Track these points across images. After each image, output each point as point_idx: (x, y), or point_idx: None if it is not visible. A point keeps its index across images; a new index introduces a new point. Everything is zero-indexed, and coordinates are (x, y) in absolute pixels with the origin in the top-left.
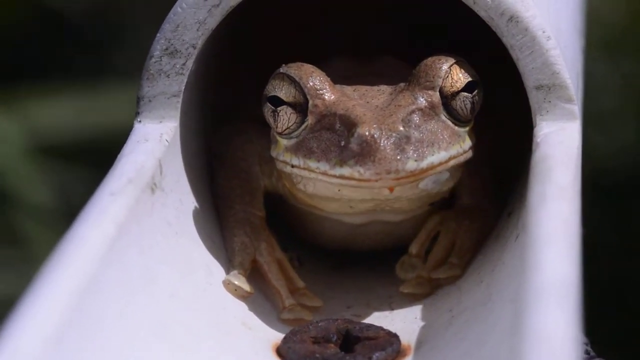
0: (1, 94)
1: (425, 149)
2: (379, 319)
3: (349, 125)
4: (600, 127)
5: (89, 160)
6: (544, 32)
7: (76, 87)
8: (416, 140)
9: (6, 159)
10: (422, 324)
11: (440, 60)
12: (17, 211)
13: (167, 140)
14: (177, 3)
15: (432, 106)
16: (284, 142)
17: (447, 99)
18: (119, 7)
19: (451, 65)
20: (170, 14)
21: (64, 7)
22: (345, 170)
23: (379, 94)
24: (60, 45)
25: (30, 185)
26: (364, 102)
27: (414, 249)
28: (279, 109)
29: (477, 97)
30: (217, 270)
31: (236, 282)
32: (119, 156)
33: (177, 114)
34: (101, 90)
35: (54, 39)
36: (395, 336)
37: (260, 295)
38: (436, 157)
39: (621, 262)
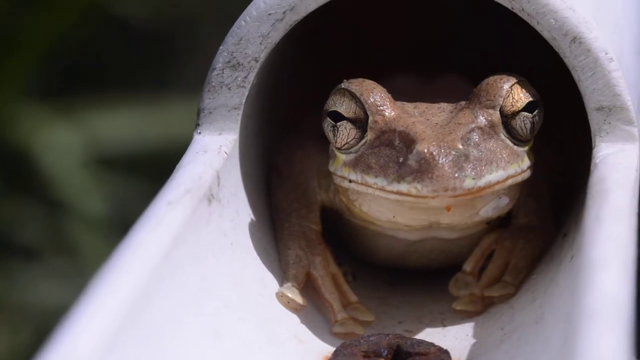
0: (62, 104)
1: (483, 168)
2: (430, 335)
3: (408, 142)
4: None
5: (147, 173)
6: (606, 53)
7: (137, 99)
8: (475, 158)
9: (64, 169)
10: (473, 341)
11: (501, 79)
12: (73, 222)
13: (225, 152)
14: (241, 16)
15: (491, 125)
16: (342, 157)
17: (507, 119)
18: (185, 20)
19: (512, 85)
20: (234, 27)
21: (128, 16)
22: (403, 187)
23: (439, 111)
24: (123, 56)
25: (86, 197)
26: (424, 119)
27: (468, 266)
28: (338, 124)
29: (537, 117)
30: (271, 283)
31: (289, 295)
32: (177, 166)
33: (236, 126)
34: (162, 103)
35: (117, 49)
36: (446, 352)
37: (313, 309)
38: (494, 175)
39: None
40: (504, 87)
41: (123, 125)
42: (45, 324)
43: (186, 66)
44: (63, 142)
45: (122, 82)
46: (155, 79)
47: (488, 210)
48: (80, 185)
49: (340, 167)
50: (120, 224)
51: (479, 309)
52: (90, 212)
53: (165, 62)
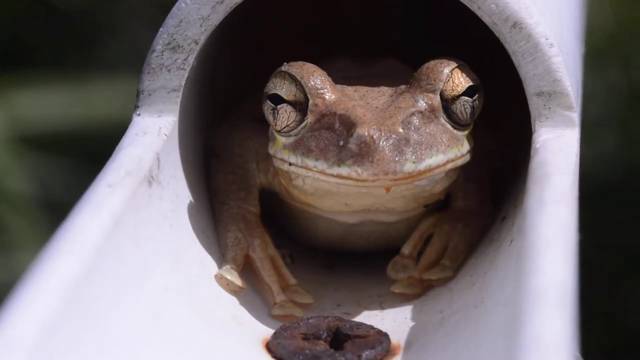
0: None
1: (423, 151)
2: (369, 317)
3: (349, 125)
4: (584, 135)
5: (71, 152)
6: (547, 39)
7: (62, 78)
8: (415, 142)
9: None
10: (412, 324)
11: (442, 63)
12: None
13: (165, 134)
14: None
15: (432, 109)
16: (282, 139)
17: (448, 103)
18: (109, 0)
19: (453, 69)
20: (174, 9)
21: None
22: (343, 170)
23: (380, 95)
24: (49, 35)
25: (10, 174)
26: (364, 103)
27: (406, 249)
28: (279, 106)
29: (477, 101)
30: (210, 265)
31: (228, 277)
32: (117, 148)
33: (176, 108)
34: (87, 83)
35: (42, 29)
36: (385, 335)
37: (252, 291)
38: (434, 159)
39: (604, 274)
40: (444, 71)
41: (46, 104)
42: None
43: (109, 46)
44: None
45: (45, 61)
46: (78, 58)
47: (422, 180)
48: (3, 164)
49: (280, 150)
50: (44, 202)
51: (417, 292)
52: (14, 189)
53: (88, 41)
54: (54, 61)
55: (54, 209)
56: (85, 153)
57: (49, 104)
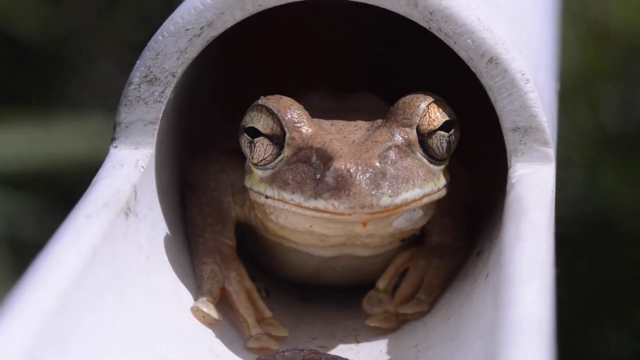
0: None
1: (400, 185)
2: (344, 351)
3: (325, 158)
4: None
5: (37, 190)
6: (523, 74)
7: (26, 115)
8: (391, 176)
9: None
10: (387, 357)
11: (418, 98)
12: None
13: (142, 167)
14: (158, 31)
15: (408, 143)
16: (259, 173)
17: (424, 137)
18: (74, 38)
19: (429, 104)
20: (151, 42)
21: (18, 34)
22: (320, 203)
23: (356, 129)
24: (9, 72)
25: None
26: (341, 136)
27: (381, 284)
28: (255, 140)
29: (453, 136)
30: (186, 297)
31: (204, 309)
32: (94, 180)
33: (153, 141)
34: (52, 120)
35: (6, 66)
36: None
37: (228, 324)
38: (410, 193)
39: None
40: (421, 106)
41: (12, 142)
42: None
43: (73, 83)
44: None
45: (10, 99)
46: (43, 97)
47: (401, 221)
48: None
49: (257, 183)
50: (9, 240)
51: (392, 325)
52: None
53: (52, 78)
54: (18, 99)
55: (21, 248)
56: (52, 191)
57: (13, 141)
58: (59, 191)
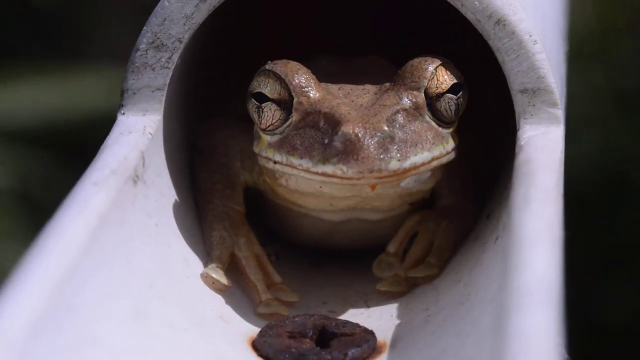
0: None
1: (408, 149)
2: (354, 315)
3: (334, 123)
4: (567, 134)
5: (52, 145)
6: (530, 35)
7: (38, 71)
8: (400, 140)
9: None
10: (398, 322)
11: (426, 61)
12: None
13: (150, 133)
14: None
15: (416, 107)
16: (267, 138)
17: (432, 100)
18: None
19: (437, 67)
20: (158, 8)
21: None
22: (328, 168)
23: (364, 93)
24: (24, 28)
25: None
26: (348, 100)
27: (391, 247)
28: (263, 105)
29: (461, 99)
30: (195, 263)
31: (214, 275)
32: (101, 147)
33: (160, 107)
34: (64, 76)
35: (16, 22)
36: (371, 333)
37: (238, 289)
38: (419, 157)
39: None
40: (429, 69)
41: (25, 98)
42: None
43: (89, 38)
44: None
45: (23, 55)
46: (57, 51)
47: (409, 181)
48: None
49: (265, 148)
50: (23, 196)
51: (403, 289)
52: None
53: (68, 35)
54: (32, 55)
55: (34, 203)
56: (63, 146)
57: (25, 97)
58: (73, 146)
